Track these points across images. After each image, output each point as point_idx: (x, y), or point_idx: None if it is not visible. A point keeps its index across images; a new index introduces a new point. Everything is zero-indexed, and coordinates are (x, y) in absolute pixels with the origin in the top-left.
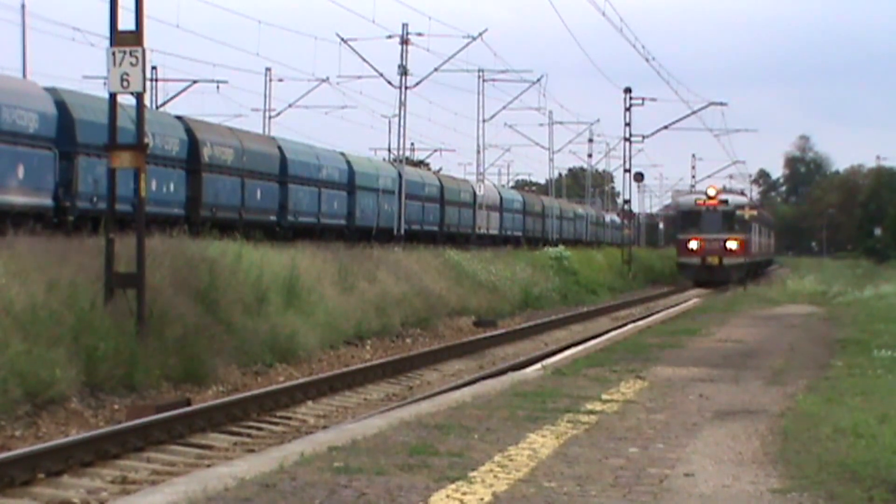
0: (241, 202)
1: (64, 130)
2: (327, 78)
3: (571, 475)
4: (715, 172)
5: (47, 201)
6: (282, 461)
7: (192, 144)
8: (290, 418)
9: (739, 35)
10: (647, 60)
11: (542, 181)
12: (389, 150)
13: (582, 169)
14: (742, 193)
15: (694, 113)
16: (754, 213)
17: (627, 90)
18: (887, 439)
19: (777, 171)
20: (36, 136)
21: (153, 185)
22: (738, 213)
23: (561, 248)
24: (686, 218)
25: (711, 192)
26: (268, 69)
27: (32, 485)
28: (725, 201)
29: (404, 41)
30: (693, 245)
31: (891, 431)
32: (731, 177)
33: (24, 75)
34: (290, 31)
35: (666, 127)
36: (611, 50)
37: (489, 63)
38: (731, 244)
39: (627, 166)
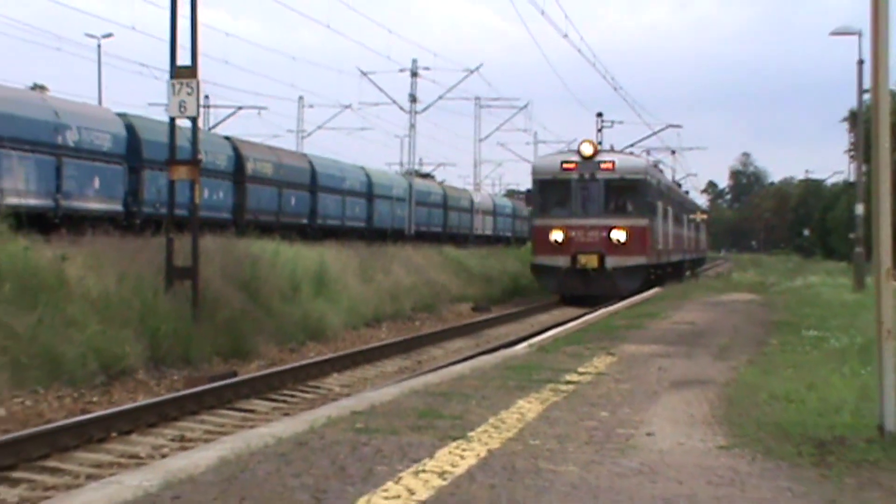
0: (279, 208)
1: (132, 148)
2: (350, 105)
3: (553, 434)
4: None
5: (118, 207)
6: (312, 423)
7: (238, 160)
8: (319, 387)
9: (692, 69)
10: (615, 89)
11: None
12: (401, 164)
13: None
14: (656, 167)
15: (654, 133)
16: (661, 185)
17: (599, 114)
18: (813, 404)
19: (723, 182)
20: (109, 154)
21: (206, 194)
22: (634, 183)
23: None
24: (546, 193)
25: (587, 150)
26: (300, 97)
27: (107, 442)
28: (611, 164)
29: (414, 74)
30: (556, 237)
31: (816, 397)
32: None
33: (100, 103)
34: (319, 66)
35: (631, 145)
36: (585, 81)
37: (484, 92)
38: (619, 235)
39: None
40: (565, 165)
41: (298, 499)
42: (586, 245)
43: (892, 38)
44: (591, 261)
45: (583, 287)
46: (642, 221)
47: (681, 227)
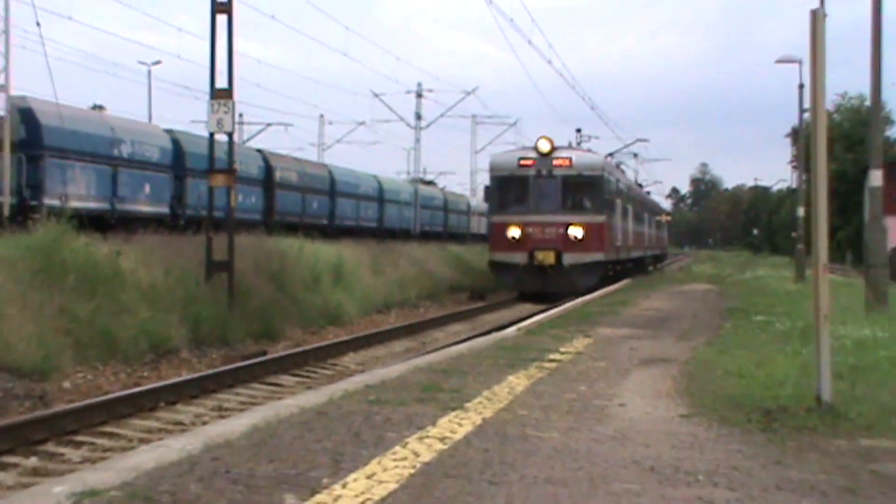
0: (302, 210)
1: (177, 159)
2: (364, 122)
3: (538, 405)
4: None
5: (165, 210)
6: (331, 395)
7: (268, 169)
8: (337, 365)
9: (657, 91)
10: (592, 108)
11: None
12: (408, 172)
13: None
14: (618, 167)
15: (626, 147)
16: (620, 183)
17: (578, 130)
18: (761, 378)
19: (684, 188)
20: (158, 164)
21: (240, 198)
22: (591, 179)
23: None
24: (504, 189)
25: (544, 147)
26: (321, 115)
27: (156, 411)
28: (568, 161)
29: (419, 95)
30: (513, 233)
31: (764, 373)
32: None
33: (150, 120)
34: (337, 88)
35: (609, 155)
36: (566, 101)
37: (479, 110)
38: (575, 231)
39: None
40: (522, 162)
41: (319, 461)
42: (543, 242)
43: (828, 65)
44: (548, 257)
45: (540, 284)
46: (599, 218)
47: (641, 224)
